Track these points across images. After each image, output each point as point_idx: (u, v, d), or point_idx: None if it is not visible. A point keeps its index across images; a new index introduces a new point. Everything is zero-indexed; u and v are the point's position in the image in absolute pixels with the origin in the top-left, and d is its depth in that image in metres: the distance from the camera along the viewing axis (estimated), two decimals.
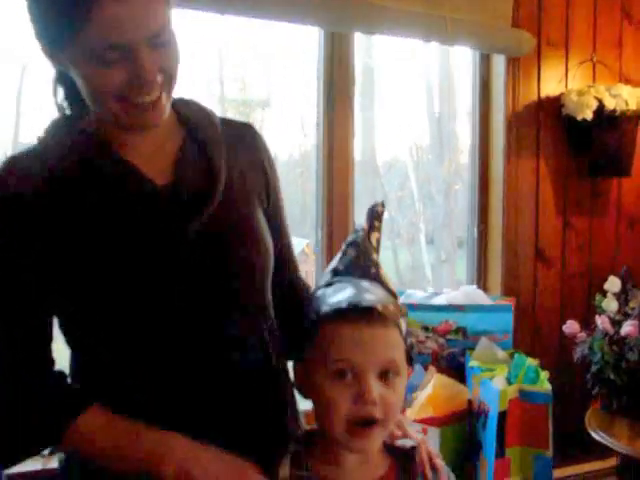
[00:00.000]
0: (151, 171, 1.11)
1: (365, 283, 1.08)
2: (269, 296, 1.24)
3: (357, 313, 1.01)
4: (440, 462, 1.16)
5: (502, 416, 1.90)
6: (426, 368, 2.19)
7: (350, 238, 1.16)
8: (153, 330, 1.09)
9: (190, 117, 1.19)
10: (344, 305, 1.02)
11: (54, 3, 0.98)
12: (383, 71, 3.09)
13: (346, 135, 2.53)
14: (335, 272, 1.13)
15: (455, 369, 2.26)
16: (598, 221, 2.90)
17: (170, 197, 1.11)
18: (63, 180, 1.07)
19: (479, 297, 2.43)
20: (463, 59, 2.94)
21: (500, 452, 1.91)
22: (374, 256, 1.13)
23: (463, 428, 2.06)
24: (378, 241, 1.15)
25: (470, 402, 2.09)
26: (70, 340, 1.15)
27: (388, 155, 3.54)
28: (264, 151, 1.28)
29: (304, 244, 2.97)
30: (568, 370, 2.58)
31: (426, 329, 2.30)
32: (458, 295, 2.44)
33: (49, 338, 1.12)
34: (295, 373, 1.12)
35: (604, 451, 2.40)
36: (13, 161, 1.09)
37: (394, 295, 1.11)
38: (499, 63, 2.73)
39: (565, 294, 2.86)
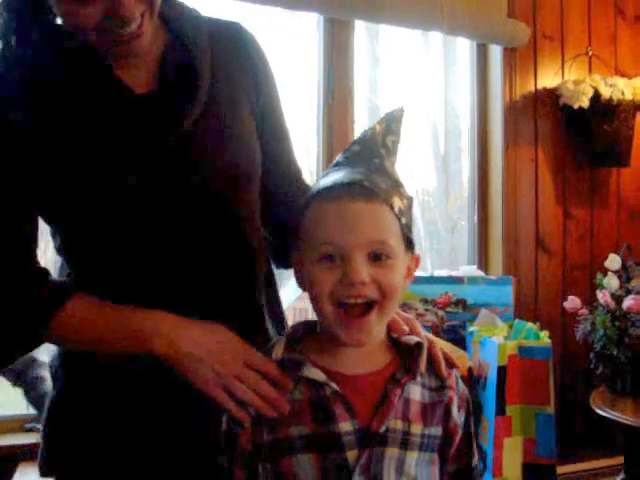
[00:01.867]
0: (133, 78, 1.09)
1: (361, 169, 1.02)
2: (256, 203, 1.21)
3: (341, 190, 0.97)
4: (455, 362, 1.11)
5: (501, 372, 1.86)
6: None
7: (356, 138, 1.10)
8: (134, 230, 1.07)
9: (174, 20, 1.16)
10: (329, 184, 0.99)
11: None
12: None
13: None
14: (335, 165, 1.08)
15: (455, 342, 2.23)
16: (598, 212, 2.91)
17: (149, 106, 1.08)
18: (46, 84, 1.05)
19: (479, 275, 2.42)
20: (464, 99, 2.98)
21: (500, 410, 1.87)
22: (381, 150, 1.06)
23: None
24: (394, 143, 1.09)
25: (470, 369, 2.06)
26: (56, 239, 1.15)
27: None
28: (252, 49, 1.23)
29: None
30: (571, 355, 2.55)
31: (425, 302, 2.28)
32: (458, 274, 2.43)
33: (33, 238, 1.11)
34: (293, 265, 1.07)
35: (611, 444, 2.35)
36: None
37: (398, 183, 1.05)
38: (495, 54, 2.78)
39: (567, 283, 2.84)
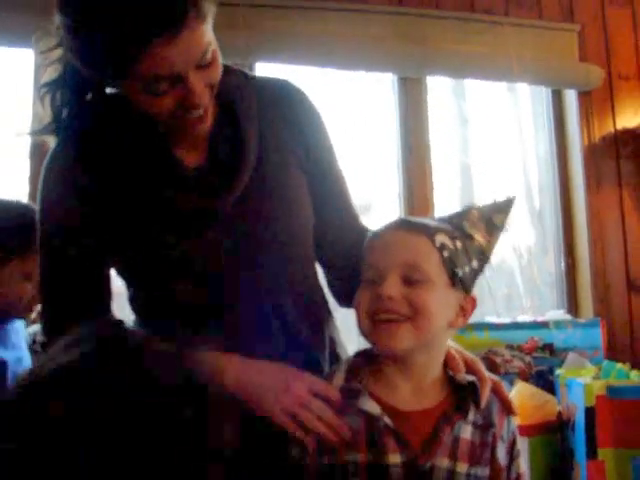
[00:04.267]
0: (185, 152, 1.17)
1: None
2: (310, 255, 1.27)
3: (389, 226, 1.09)
4: (512, 407, 1.14)
5: (590, 413, 1.82)
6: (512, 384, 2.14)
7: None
8: (193, 293, 1.15)
9: (222, 90, 1.16)
10: (384, 224, 1.10)
11: (104, 43, 0.98)
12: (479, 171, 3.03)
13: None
14: None
15: (544, 387, 2.19)
16: None
17: (200, 179, 1.15)
18: (108, 155, 1.14)
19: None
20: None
21: (592, 454, 1.82)
22: (465, 222, 1.12)
23: (554, 440, 1.98)
24: (502, 222, 1.15)
25: (560, 414, 2.01)
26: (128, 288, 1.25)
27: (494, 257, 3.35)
28: (299, 106, 1.26)
29: None
30: None
31: (512, 348, 2.26)
32: (544, 319, 2.40)
33: (108, 291, 1.21)
34: None
35: None
36: (66, 141, 1.16)
37: (467, 235, 1.10)
38: (571, 99, 2.79)
39: None
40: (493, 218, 1.14)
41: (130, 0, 0.96)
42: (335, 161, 1.30)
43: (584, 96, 2.76)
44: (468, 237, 1.10)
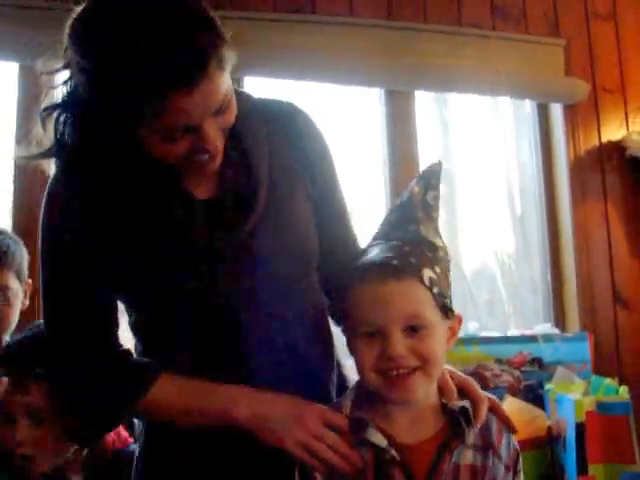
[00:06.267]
0: (194, 183, 1.15)
1: (394, 243, 1.09)
2: (315, 277, 1.26)
3: (373, 272, 1.05)
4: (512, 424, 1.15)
5: (580, 429, 1.83)
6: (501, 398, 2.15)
7: (394, 204, 1.17)
8: (200, 318, 1.14)
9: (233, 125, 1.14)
10: (363, 266, 1.07)
11: (123, 93, 0.96)
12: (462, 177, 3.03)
13: None
14: (374, 238, 1.16)
15: (533, 401, 2.20)
16: None
17: (210, 212, 1.14)
18: (113, 184, 1.11)
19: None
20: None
21: (582, 469, 1.83)
22: (418, 214, 1.12)
23: (544, 455, 1.99)
24: (436, 198, 1.15)
25: (550, 429, 2.02)
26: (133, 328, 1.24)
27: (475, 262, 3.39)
28: (305, 131, 1.25)
29: None
30: None
31: (500, 362, 2.27)
32: (532, 333, 2.41)
33: (115, 320, 1.20)
34: (343, 334, 1.16)
35: None
36: (72, 169, 1.14)
37: (435, 247, 1.10)
38: (556, 112, 2.80)
39: None
40: (428, 198, 1.13)
41: (150, 50, 0.93)
42: (338, 186, 1.30)
43: (569, 109, 2.78)
44: (433, 248, 1.10)
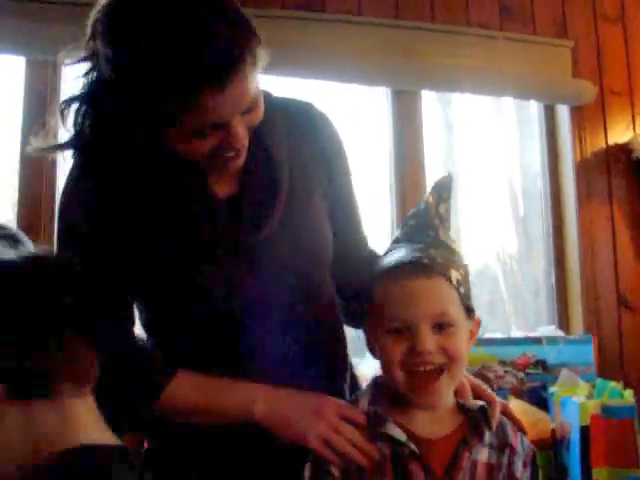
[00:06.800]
0: (215, 180, 1.15)
1: (420, 245, 1.13)
2: (329, 277, 1.27)
3: (403, 270, 1.08)
4: (522, 425, 1.18)
5: (584, 432, 1.82)
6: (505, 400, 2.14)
7: (411, 211, 1.21)
8: (215, 314, 1.15)
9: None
10: (392, 264, 1.10)
11: (153, 92, 0.97)
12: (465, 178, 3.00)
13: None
14: (396, 241, 1.19)
15: (537, 404, 2.19)
16: None
17: (231, 210, 1.15)
18: (136, 184, 1.11)
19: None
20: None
21: (586, 473, 1.82)
22: (435, 221, 1.16)
23: (547, 457, 1.98)
24: (447, 211, 1.19)
25: (554, 431, 2.01)
26: (145, 325, 1.24)
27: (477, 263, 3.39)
28: (323, 132, 1.26)
29: None
30: None
31: (504, 364, 2.26)
32: (536, 334, 2.40)
33: (131, 317, 1.20)
34: (365, 335, 1.18)
35: None
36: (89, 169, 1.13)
37: (454, 252, 1.15)
38: (563, 114, 2.80)
39: None
40: (440, 210, 1.18)
41: (184, 48, 0.93)
42: (353, 188, 1.32)
43: (576, 111, 2.77)
44: (453, 252, 1.14)
